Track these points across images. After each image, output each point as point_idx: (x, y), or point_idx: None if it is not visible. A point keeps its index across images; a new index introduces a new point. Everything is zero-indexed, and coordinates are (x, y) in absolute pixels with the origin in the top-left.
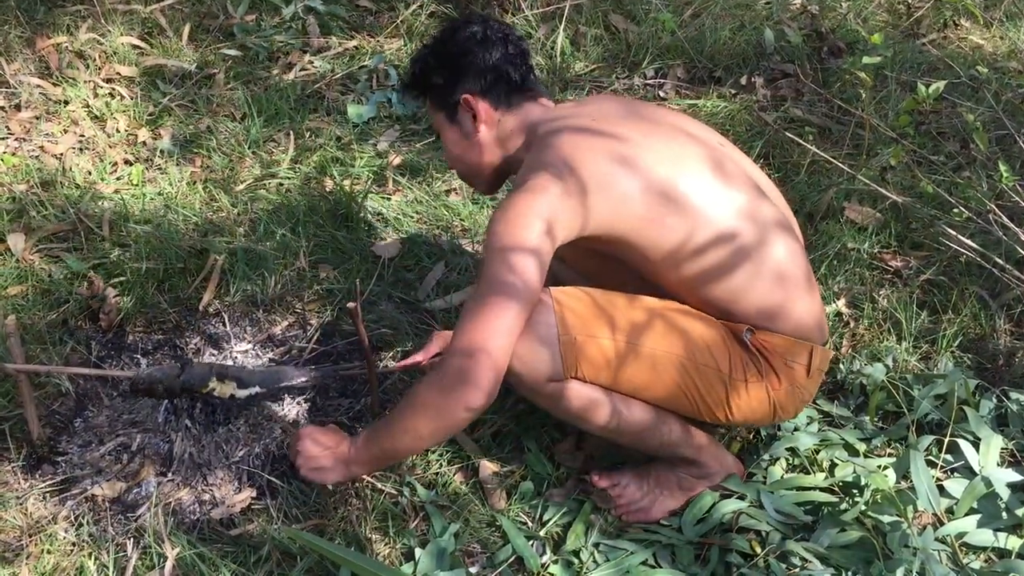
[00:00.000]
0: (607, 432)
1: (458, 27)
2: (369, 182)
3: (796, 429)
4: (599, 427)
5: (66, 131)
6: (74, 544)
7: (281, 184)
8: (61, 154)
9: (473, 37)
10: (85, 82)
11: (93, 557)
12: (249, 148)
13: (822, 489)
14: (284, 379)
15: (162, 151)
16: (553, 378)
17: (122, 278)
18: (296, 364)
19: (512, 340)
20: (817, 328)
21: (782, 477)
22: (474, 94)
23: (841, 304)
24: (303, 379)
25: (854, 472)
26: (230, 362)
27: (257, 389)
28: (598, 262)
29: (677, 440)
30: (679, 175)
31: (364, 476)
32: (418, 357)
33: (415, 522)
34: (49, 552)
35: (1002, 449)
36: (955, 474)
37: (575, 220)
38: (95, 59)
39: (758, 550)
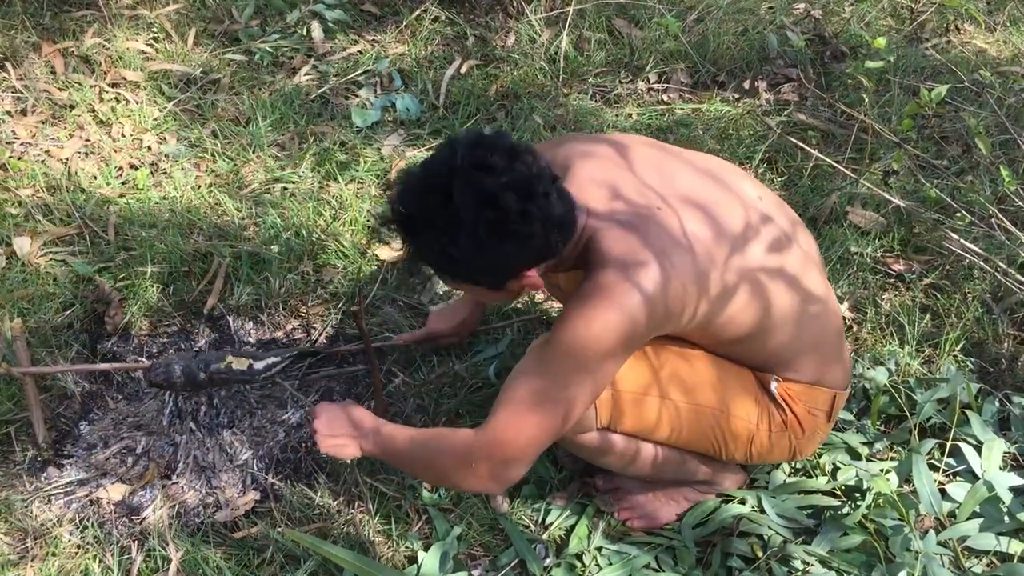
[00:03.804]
0: (634, 475)
1: (472, 187)
2: (372, 186)
3: None
4: (627, 471)
5: (72, 135)
6: (79, 546)
7: (285, 188)
8: (67, 158)
9: (505, 202)
10: (91, 87)
11: (98, 559)
12: (254, 152)
13: (824, 493)
14: (294, 349)
15: (167, 155)
16: (585, 430)
17: (127, 281)
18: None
19: (545, 445)
20: (843, 377)
21: (784, 481)
22: (529, 269)
23: (844, 308)
24: (312, 348)
25: (856, 476)
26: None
27: (273, 359)
28: None
29: (695, 470)
30: (729, 252)
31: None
32: (418, 335)
33: (418, 525)
34: (54, 554)
35: (1004, 453)
36: (957, 478)
37: (653, 330)
38: (101, 64)
39: (760, 554)
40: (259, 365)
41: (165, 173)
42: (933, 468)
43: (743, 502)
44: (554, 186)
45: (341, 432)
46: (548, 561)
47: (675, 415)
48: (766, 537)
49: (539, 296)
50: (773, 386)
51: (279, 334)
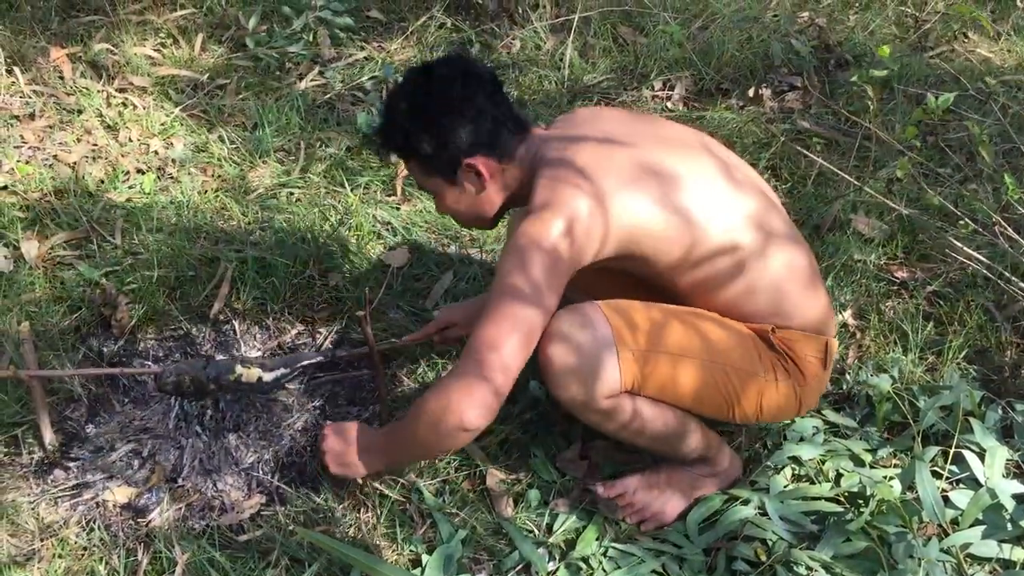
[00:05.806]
0: (643, 446)
1: (430, 77)
2: (378, 191)
3: (802, 439)
4: (636, 440)
5: (79, 140)
6: (85, 548)
7: (291, 193)
8: (74, 163)
9: (451, 86)
10: (98, 91)
11: (104, 561)
12: (260, 157)
13: (828, 499)
14: (302, 359)
15: (174, 160)
16: (611, 393)
17: (134, 285)
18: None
19: (523, 357)
20: (830, 323)
21: (786, 487)
22: (476, 155)
23: (848, 315)
24: (319, 358)
25: (860, 482)
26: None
27: (282, 370)
28: (601, 278)
29: (698, 443)
30: (688, 187)
31: (386, 470)
32: (430, 329)
33: (423, 529)
34: (60, 556)
35: (1007, 460)
36: (960, 485)
37: (595, 240)
38: (108, 69)
39: (764, 558)
40: (268, 377)
41: (172, 178)
42: (936, 475)
43: (746, 503)
44: (489, 97)
45: (347, 450)
46: (552, 565)
47: (693, 372)
48: (770, 542)
49: None
50: (771, 335)
51: (285, 338)
